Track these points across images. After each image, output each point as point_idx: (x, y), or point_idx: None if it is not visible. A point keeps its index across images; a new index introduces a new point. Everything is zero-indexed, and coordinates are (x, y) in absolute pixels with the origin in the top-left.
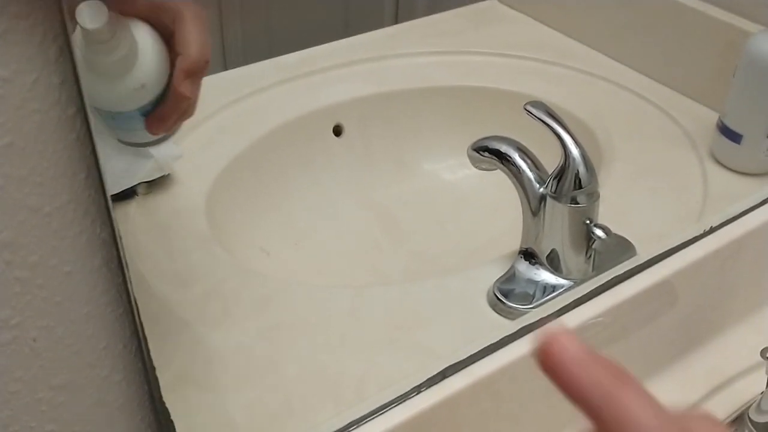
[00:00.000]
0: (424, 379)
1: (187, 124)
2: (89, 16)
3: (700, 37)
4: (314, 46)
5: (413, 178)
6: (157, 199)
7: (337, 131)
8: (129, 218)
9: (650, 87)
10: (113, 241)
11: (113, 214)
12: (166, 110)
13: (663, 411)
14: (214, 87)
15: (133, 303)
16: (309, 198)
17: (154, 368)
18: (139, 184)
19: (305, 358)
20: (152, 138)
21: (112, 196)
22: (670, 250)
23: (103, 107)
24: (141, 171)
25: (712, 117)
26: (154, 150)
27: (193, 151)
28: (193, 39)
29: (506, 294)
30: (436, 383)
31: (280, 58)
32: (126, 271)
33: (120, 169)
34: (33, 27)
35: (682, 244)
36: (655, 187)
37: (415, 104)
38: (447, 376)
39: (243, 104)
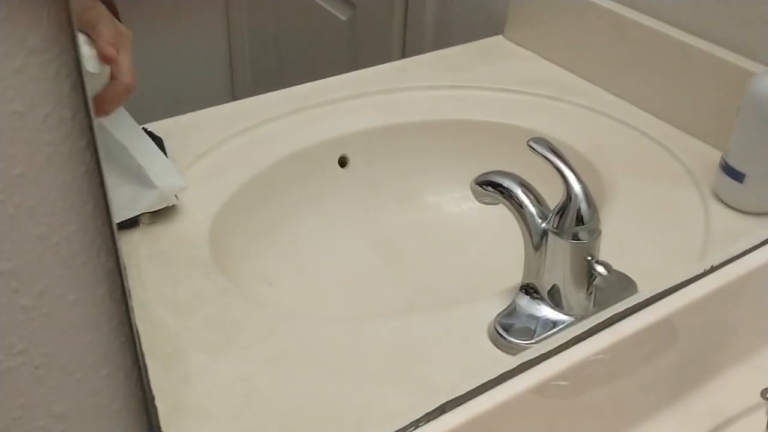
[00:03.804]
0: (423, 414)
1: (194, 153)
2: (90, 61)
3: (703, 76)
4: (322, 79)
5: (417, 210)
6: (162, 227)
7: (342, 162)
8: (133, 246)
9: (653, 124)
10: (118, 271)
11: (119, 245)
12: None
13: None
14: (221, 117)
15: (135, 332)
16: (313, 228)
17: (153, 398)
18: (142, 214)
19: (305, 389)
20: None
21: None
22: (670, 288)
23: None
24: (144, 201)
25: (715, 155)
26: (158, 181)
27: (200, 180)
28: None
29: (507, 329)
30: (435, 418)
31: (288, 89)
32: (129, 300)
33: (124, 198)
34: (48, 62)
35: (683, 282)
36: (657, 225)
37: (421, 137)
38: (446, 411)
39: (250, 134)
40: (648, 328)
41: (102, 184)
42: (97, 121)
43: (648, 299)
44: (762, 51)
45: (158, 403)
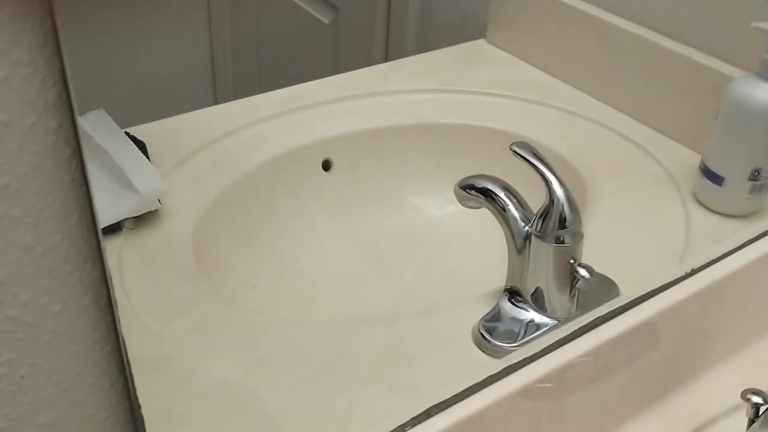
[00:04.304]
0: (409, 419)
1: (177, 157)
2: None
3: (682, 80)
4: (305, 82)
5: (400, 214)
6: (145, 233)
7: (326, 166)
8: (116, 252)
9: (633, 127)
10: (104, 280)
11: (104, 254)
12: None
13: None
14: (204, 121)
15: (121, 341)
16: (296, 232)
17: (140, 407)
18: (125, 219)
19: (289, 394)
20: None
21: None
22: (652, 291)
23: None
24: (127, 206)
25: (694, 158)
26: (141, 185)
27: (182, 185)
28: None
29: (491, 332)
30: (421, 422)
31: (270, 93)
32: (115, 309)
33: (106, 204)
34: (33, 74)
35: (665, 285)
36: (639, 227)
37: (404, 140)
38: (431, 415)
39: (232, 138)
40: (630, 331)
41: (88, 193)
42: (79, 127)
43: (630, 302)
44: (739, 55)
45: (144, 409)
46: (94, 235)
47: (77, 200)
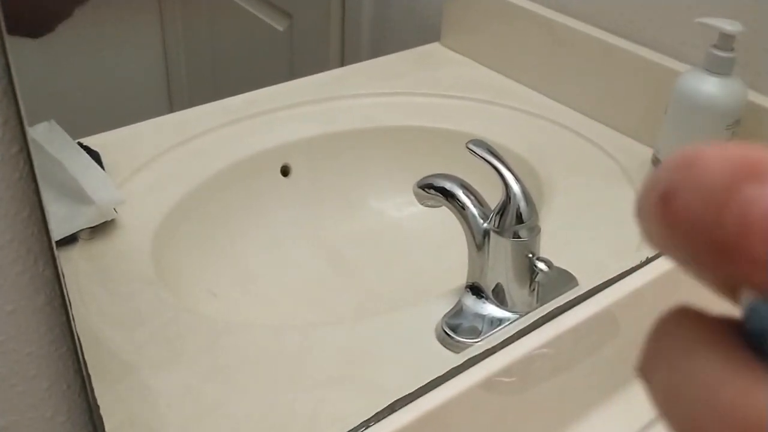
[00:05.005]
0: (372, 414)
1: (133, 166)
2: None
3: (632, 77)
4: (260, 89)
5: (361, 217)
6: (102, 243)
7: (285, 171)
8: (72, 263)
9: (586, 124)
10: (56, 279)
11: (56, 253)
12: None
13: None
14: (159, 129)
15: (77, 341)
16: (257, 239)
17: (98, 407)
18: (81, 230)
19: (254, 399)
20: None
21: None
22: (609, 280)
23: None
24: (82, 218)
25: (647, 152)
26: (96, 195)
27: (139, 195)
28: None
29: (454, 329)
30: (385, 417)
31: (226, 100)
32: (69, 309)
33: (60, 215)
34: None
35: (621, 274)
36: (595, 221)
37: (361, 144)
38: (395, 410)
39: (189, 146)
40: (589, 320)
41: (37, 191)
42: (30, 137)
43: (588, 292)
44: (686, 50)
45: (107, 419)
46: (45, 234)
47: (26, 198)
